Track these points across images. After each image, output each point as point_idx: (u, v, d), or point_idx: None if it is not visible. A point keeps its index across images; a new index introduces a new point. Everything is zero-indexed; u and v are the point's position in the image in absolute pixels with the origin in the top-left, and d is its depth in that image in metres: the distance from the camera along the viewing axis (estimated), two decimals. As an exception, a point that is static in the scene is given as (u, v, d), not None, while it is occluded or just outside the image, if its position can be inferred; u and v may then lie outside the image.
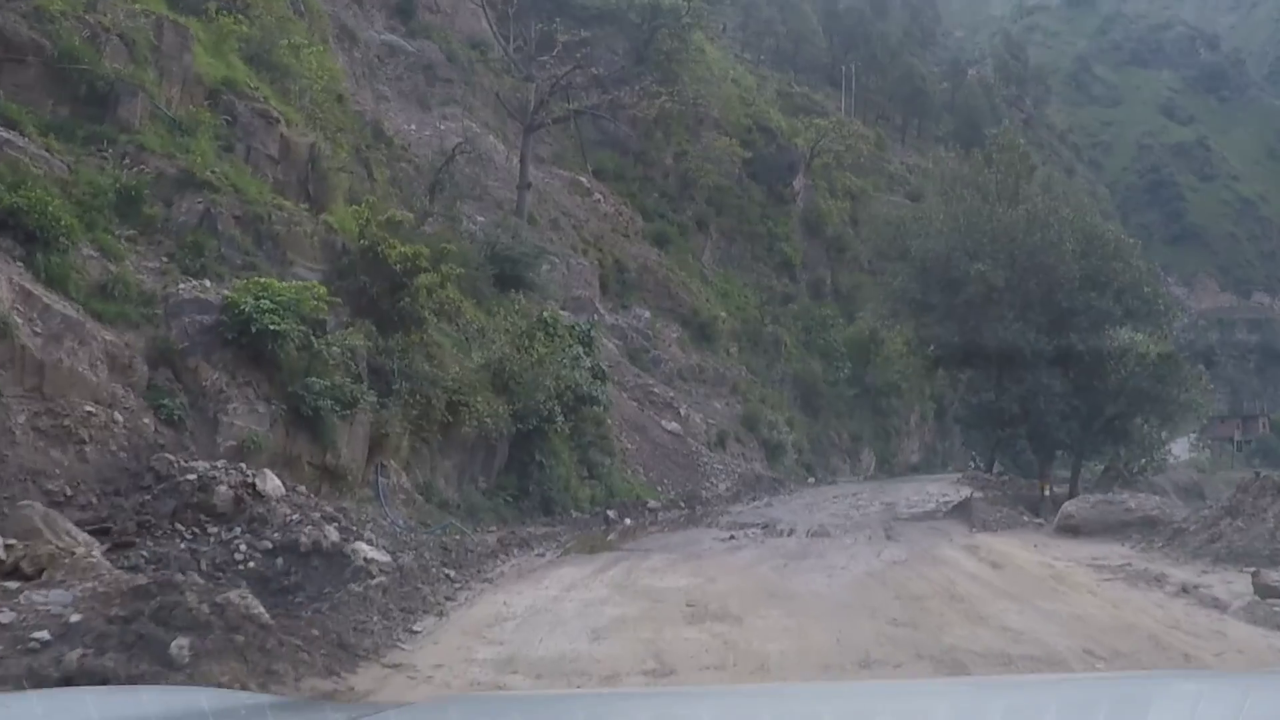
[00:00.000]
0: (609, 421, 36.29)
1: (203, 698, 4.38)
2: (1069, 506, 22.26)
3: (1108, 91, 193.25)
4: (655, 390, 44.17)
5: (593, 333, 29.81)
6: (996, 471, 54.53)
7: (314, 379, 16.29)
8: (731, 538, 22.77)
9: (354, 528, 14.15)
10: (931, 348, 30.34)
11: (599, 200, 57.61)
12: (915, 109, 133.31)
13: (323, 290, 16.93)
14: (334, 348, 17.05)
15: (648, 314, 51.35)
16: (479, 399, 23.21)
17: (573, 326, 29.22)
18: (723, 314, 57.17)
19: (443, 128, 52.66)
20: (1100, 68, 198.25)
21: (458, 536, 18.44)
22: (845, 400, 61.77)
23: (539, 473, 27.31)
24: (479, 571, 15.92)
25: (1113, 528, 20.36)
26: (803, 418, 57.09)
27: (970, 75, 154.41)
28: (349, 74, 46.07)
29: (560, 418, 25.98)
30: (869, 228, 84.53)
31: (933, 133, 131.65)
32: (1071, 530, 21.00)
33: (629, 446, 37.00)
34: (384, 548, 13.81)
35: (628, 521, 27.84)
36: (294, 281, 16.72)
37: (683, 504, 33.17)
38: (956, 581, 14.99)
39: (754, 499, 37.87)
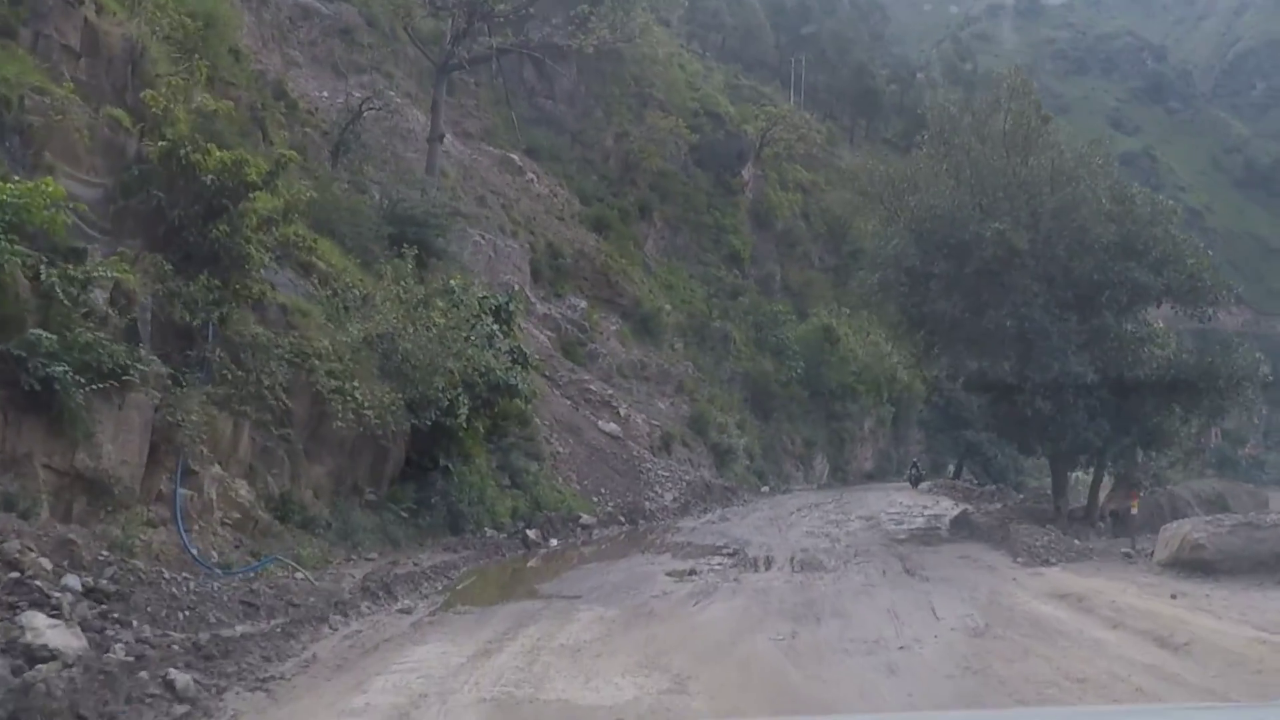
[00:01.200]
0: (536, 421, 31.08)
1: None
2: (1189, 531, 16.04)
3: (1054, 100, 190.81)
4: (592, 387, 38.91)
5: (511, 306, 24.06)
6: (966, 479, 50.13)
7: (44, 333, 10.70)
8: (691, 574, 17.41)
9: (49, 579, 8.53)
10: (923, 332, 25.30)
11: (532, 180, 52.26)
12: (864, 108, 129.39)
13: (60, 192, 11.21)
14: (88, 288, 11.43)
15: (584, 304, 46.08)
16: (359, 385, 17.76)
17: (485, 297, 23.63)
18: (667, 306, 52.03)
19: (358, 95, 47.13)
20: (1047, 76, 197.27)
21: (292, 576, 12.95)
22: (799, 402, 56.86)
23: (444, 481, 21.98)
24: (268, 659, 9.93)
25: (1268, 563, 14.79)
26: (754, 420, 52.08)
27: (919, 78, 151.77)
28: (255, 34, 40.72)
29: (466, 411, 20.50)
30: (842, 183, 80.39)
31: (881, 134, 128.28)
32: (1200, 567, 15.28)
33: (560, 450, 31.72)
34: (99, 620, 8.22)
35: (554, 543, 22.65)
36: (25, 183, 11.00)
37: (623, 518, 27.97)
38: (1128, 680, 9.46)
39: (705, 511, 32.77)
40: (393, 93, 48.85)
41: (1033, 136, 23.75)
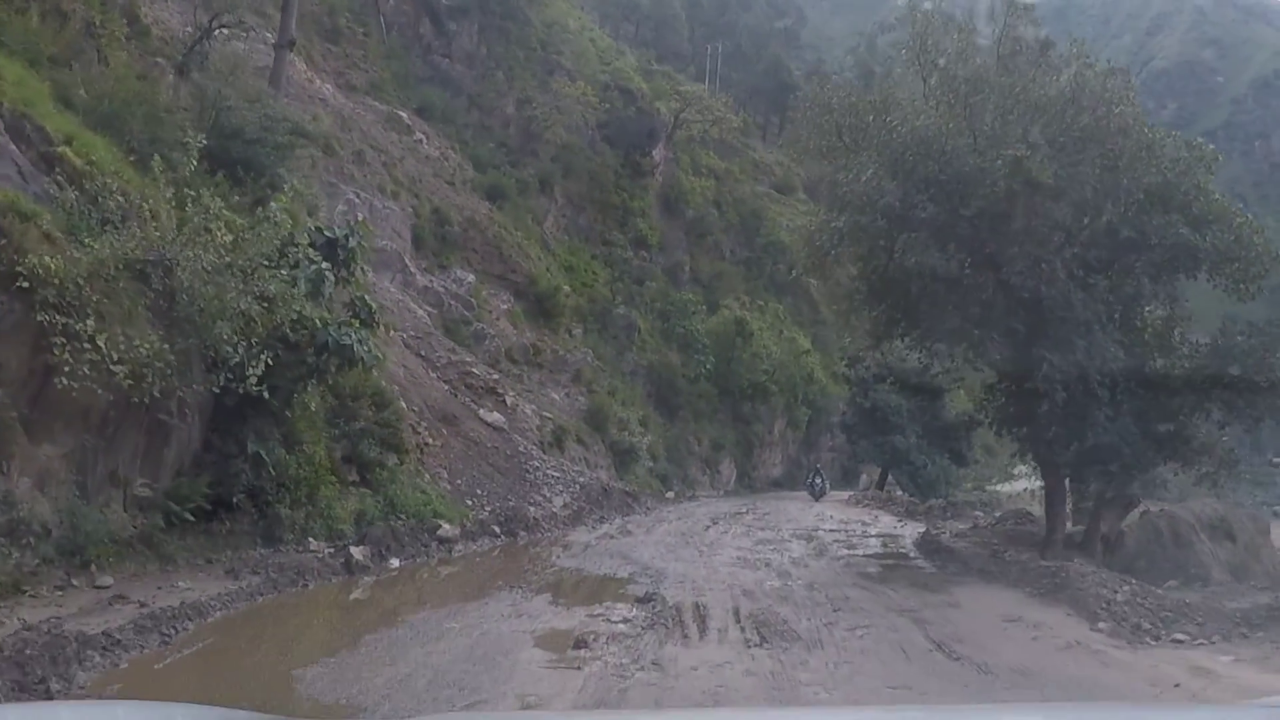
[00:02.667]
0: (401, 404, 25.64)
1: (179, 712, 4.22)
2: None
3: None
4: (475, 371, 33.38)
5: (352, 243, 17.82)
6: (888, 490, 45.72)
7: None
8: (581, 645, 11.20)
9: None
10: (885, 305, 20.30)
11: (421, 141, 46.53)
12: (778, 105, 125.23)
13: None
14: None
15: (472, 278, 40.54)
16: (105, 328, 12.06)
17: (318, 228, 17.53)
18: (566, 287, 46.59)
19: (227, 33, 41.05)
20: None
21: None
22: (707, 400, 51.92)
23: (254, 473, 16.29)
24: None
25: None
26: (658, 418, 46.95)
27: (835, 80, 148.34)
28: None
29: (259, 371, 14.45)
30: (757, 175, 75.72)
31: (793, 134, 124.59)
32: None
33: (430, 441, 26.23)
34: None
35: (394, 564, 17.15)
36: None
37: (499, 528, 22.52)
38: None
39: (602, 520, 27.52)
40: (251, 19, 42.80)
41: (1033, 59, 18.84)
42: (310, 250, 15.67)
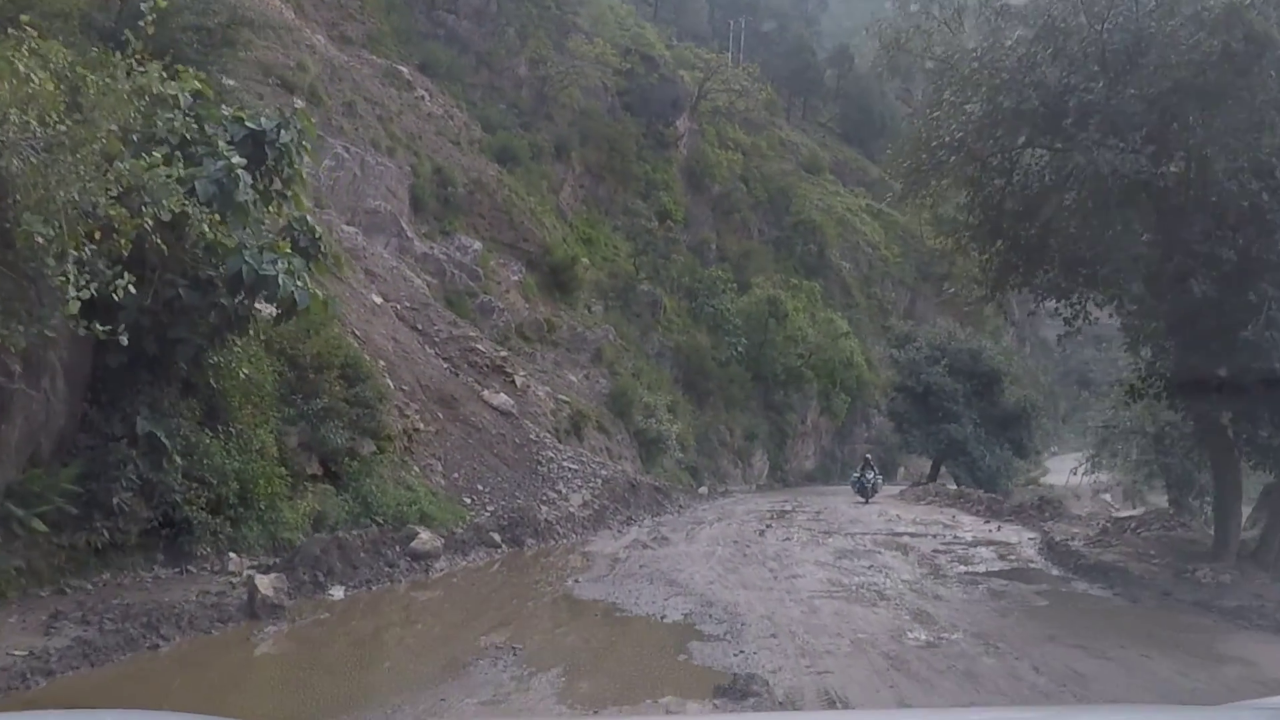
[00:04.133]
0: (386, 381, 21.15)
1: None
2: None
3: None
4: (479, 348, 28.71)
5: (286, 138, 12.21)
6: (938, 483, 40.90)
7: None
8: None
9: None
10: (1003, 241, 15.73)
11: (423, 98, 41.81)
12: (800, 87, 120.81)
13: None
14: None
15: (478, 245, 35.82)
16: None
17: (230, 116, 12.25)
18: (584, 259, 41.82)
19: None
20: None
21: None
22: (739, 385, 47.04)
23: (149, 463, 11.57)
24: None
25: None
26: (687, 405, 42.13)
27: (858, 62, 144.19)
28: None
29: (76, 292, 9.25)
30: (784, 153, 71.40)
31: (817, 117, 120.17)
32: None
33: (421, 426, 21.59)
34: None
35: (335, 595, 12.30)
36: None
37: (498, 535, 17.72)
38: None
39: (629, 522, 22.85)
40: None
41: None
42: (223, 145, 10.89)
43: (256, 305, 12.14)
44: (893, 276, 77.23)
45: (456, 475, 21.22)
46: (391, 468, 18.91)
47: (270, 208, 12.09)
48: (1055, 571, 16.23)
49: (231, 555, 12.28)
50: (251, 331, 12.85)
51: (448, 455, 21.78)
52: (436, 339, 28.41)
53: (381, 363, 23.07)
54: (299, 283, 10.85)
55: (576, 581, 14.53)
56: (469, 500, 20.33)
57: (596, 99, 55.59)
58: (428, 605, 13.53)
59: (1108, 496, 42.91)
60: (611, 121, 55.98)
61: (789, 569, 15.55)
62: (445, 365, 27.12)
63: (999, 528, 22.27)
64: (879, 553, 17.89)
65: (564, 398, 29.55)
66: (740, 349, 48.07)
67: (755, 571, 15.37)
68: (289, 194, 11.83)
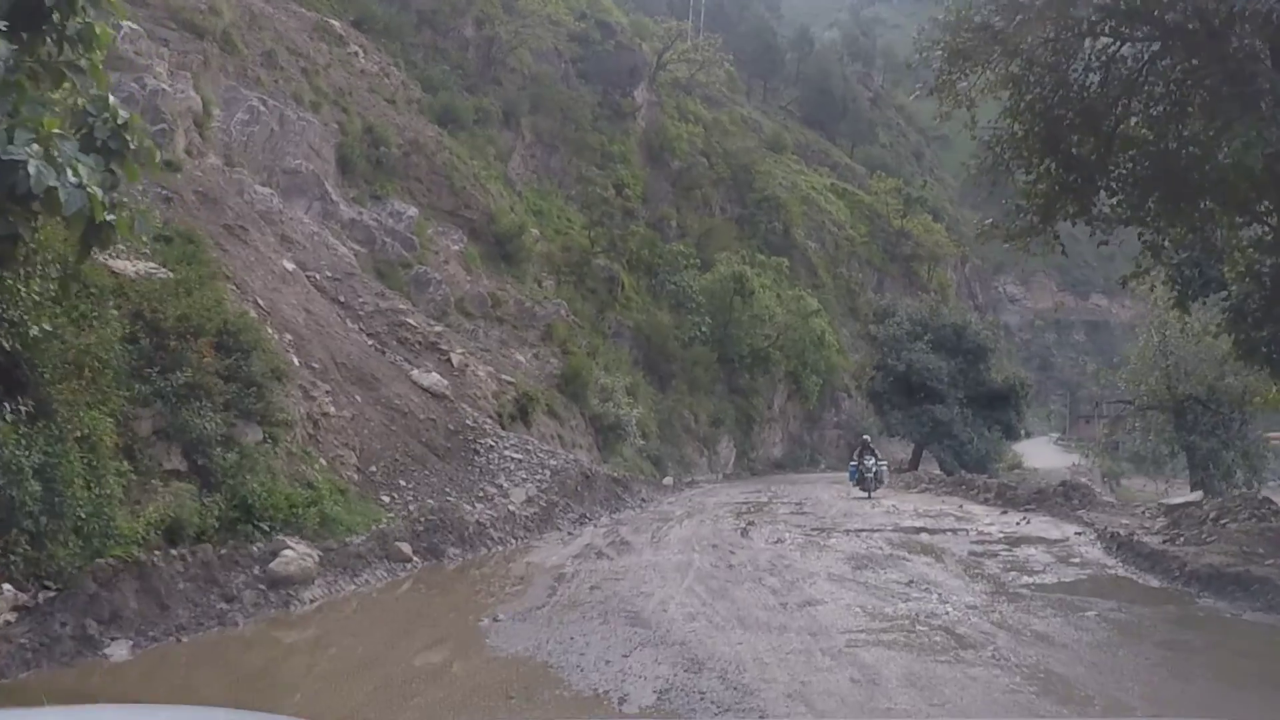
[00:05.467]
0: (293, 359, 17.72)
1: (221, 715, 4.09)
2: None
3: None
4: (410, 322, 25.10)
5: None
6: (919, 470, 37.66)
7: None
8: None
9: None
10: (1057, 158, 12.52)
11: (357, 54, 37.93)
12: (761, 69, 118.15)
13: None
14: None
15: (414, 211, 32.14)
16: None
17: None
18: (534, 230, 38.20)
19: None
20: (941, 63, 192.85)
21: None
22: (704, 366, 43.52)
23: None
24: None
25: None
26: (648, 388, 38.59)
27: (818, 46, 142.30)
28: None
29: None
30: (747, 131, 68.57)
31: (778, 100, 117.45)
32: None
33: (332, 410, 17.97)
34: None
35: (112, 656, 8.30)
36: None
37: (409, 546, 13.96)
38: None
39: (583, 520, 19.33)
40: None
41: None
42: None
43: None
44: (859, 256, 74.28)
45: (374, 468, 17.63)
46: (287, 460, 15.29)
47: (61, 90, 8.39)
48: (1155, 582, 12.64)
49: (5, 588, 8.62)
50: (41, 266, 9.13)
51: (364, 444, 18.17)
52: (361, 312, 24.81)
53: (288, 336, 19.52)
54: (75, 179, 7.14)
55: (496, 620, 10.28)
56: (388, 498, 16.75)
57: (549, 64, 52.11)
58: (244, 675, 9.00)
59: (1086, 480, 39.70)
60: (565, 89, 52.53)
61: (798, 589, 11.74)
62: (370, 341, 23.55)
63: (1026, 520, 18.84)
64: (904, 558, 14.27)
65: (509, 378, 25.93)
66: (704, 329, 44.67)
67: (752, 594, 11.45)
68: (81, 63, 8.14)
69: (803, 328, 49.40)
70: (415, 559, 13.50)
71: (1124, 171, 13.38)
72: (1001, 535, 16.87)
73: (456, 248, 32.87)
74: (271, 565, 10.96)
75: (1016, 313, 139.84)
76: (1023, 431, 47.41)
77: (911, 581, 12.12)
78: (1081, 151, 13.20)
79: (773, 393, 52.35)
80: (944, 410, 38.87)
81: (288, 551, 11.26)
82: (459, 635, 10.10)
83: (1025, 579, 12.60)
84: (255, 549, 11.49)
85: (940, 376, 39.37)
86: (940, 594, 11.33)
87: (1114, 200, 13.86)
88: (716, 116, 73.86)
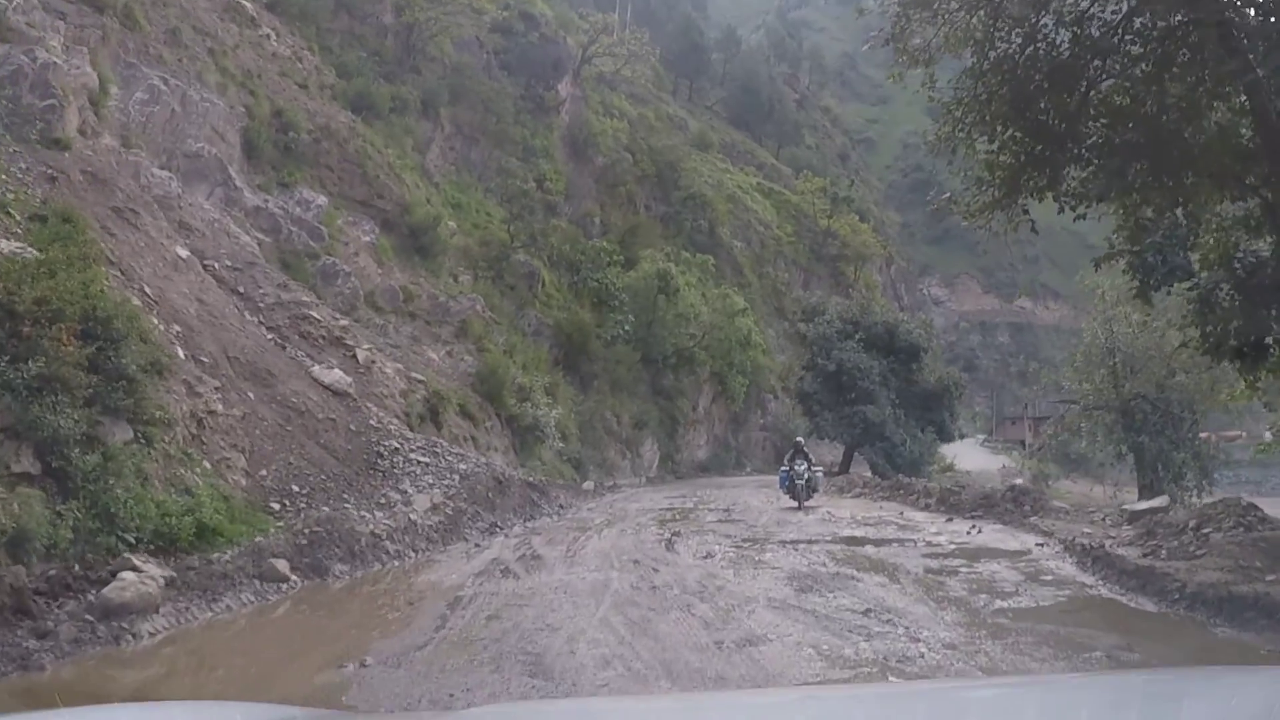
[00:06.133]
0: (177, 350, 16.28)
1: (237, 713, 4.04)
2: None
3: (873, 90, 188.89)
4: (314, 315, 23.63)
5: None
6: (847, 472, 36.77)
7: None
8: None
9: None
10: (1034, 114, 11.48)
11: (268, 36, 36.17)
12: (688, 69, 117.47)
13: None
14: None
15: (323, 200, 30.62)
16: None
17: None
18: (451, 222, 36.75)
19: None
20: (866, 66, 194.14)
21: None
22: (627, 366, 42.31)
23: None
24: None
25: None
26: (568, 388, 37.29)
27: (745, 47, 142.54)
28: None
29: None
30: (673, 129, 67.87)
31: (704, 100, 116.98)
32: None
33: (219, 408, 16.52)
34: None
35: None
36: None
37: (287, 564, 12.44)
38: None
39: (493, 529, 18.02)
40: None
41: None
42: None
43: None
44: (786, 256, 73.73)
45: (264, 472, 16.19)
46: (163, 463, 13.86)
47: None
48: (1151, 605, 11.23)
49: None
50: None
51: (255, 446, 16.73)
52: (261, 304, 23.31)
53: (176, 327, 18.06)
54: None
55: (362, 665, 8.55)
56: (278, 506, 15.33)
57: (470, 54, 50.58)
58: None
59: (1020, 481, 39.18)
60: (487, 80, 51.04)
61: (735, 621, 10.16)
62: (269, 335, 22.08)
63: (976, 528, 17.62)
64: (853, 577, 12.68)
65: (419, 377, 24.52)
66: (627, 327, 43.46)
67: (680, 628, 9.85)
68: None
69: (728, 327, 48.44)
70: (293, 578, 12.01)
71: (1098, 140, 12.29)
72: (954, 547, 15.65)
73: (368, 239, 31.34)
74: (105, 591, 9.43)
75: (941, 314, 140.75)
76: (957, 433, 46.74)
77: (869, 610, 10.59)
78: (1051, 118, 12.10)
79: (698, 394, 51.40)
80: (876, 411, 38.05)
81: (126, 573, 9.72)
82: (310, 690, 8.17)
83: (999, 603, 11.27)
84: (106, 570, 9.97)
85: (872, 376, 38.55)
86: (907, 627, 9.78)
87: (1086, 173, 12.74)
88: (642, 113, 72.87)
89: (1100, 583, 12.59)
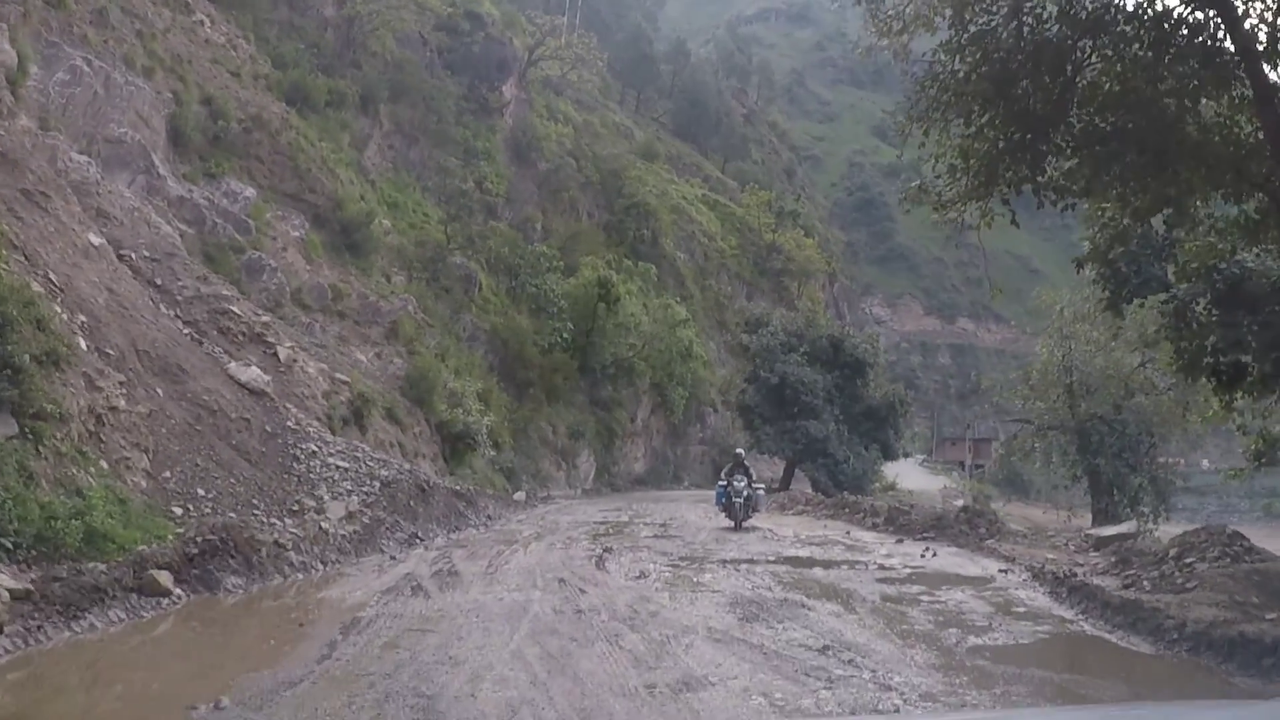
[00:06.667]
0: (78, 341, 15.18)
1: None
2: None
3: (821, 107, 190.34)
4: (234, 310, 22.49)
5: None
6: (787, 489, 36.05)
7: None
8: None
9: None
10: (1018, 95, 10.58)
11: (202, 22, 34.91)
12: (636, 79, 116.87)
13: None
14: None
15: (251, 192, 29.46)
16: None
17: None
18: (386, 221, 35.66)
19: None
20: (815, 84, 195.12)
21: None
22: (564, 374, 41.38)
23: None
24: None
25: None
26: (503, 395, 36.28)
27: (694, 59, 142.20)
28: None
29: None
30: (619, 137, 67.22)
31: (651, 111, 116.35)
32: None
33: (122, 404, 15.40)
34: None
35: None
36: None
37: (169, 576, 11.23)
38: None
39: (413, 540, 17.06)
40: None
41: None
42: None
43: None
44: (729, 269, 73.16)
45: (168, 474, 15.09)
46: (54, 461, 12.77)
47: None
48: (1146, 646, 10.12)
49: None
50: None
51: (160, 445, 15.62)
52: (179, 297, 22.15)
53: (81, 317, 16.91)
54: None
55: (216, 708, 7.24)
56: (180, 510, 14.25)
57: (413, 51, 49.54)
58: None
59: (960, 502, 38.61)
60: (429, 78, 49.99)
61: (670, 656, 8.96)
62: (185, 329, 20.93)
63: (931, 551, 16.82)
64: (803, 604, 11.50)
65: (343, 377, 23.44)
66: (566, 335, 42.53)
67: (605, 665, 8.64)
68: None
69: (669, 337, 47.65)
70: (178, 592, 10.89)
71: (1085, 127, 11.37)
72: (910, 571, 14.77)
73: (297, 234, 30.20)
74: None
75: (883, 334, 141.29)
76: (901, 451, 46.13)
77: (827, 647, 9.38)
78: (1034, 101, 11.17)
79: (636, 405, 50.57)
80: (819, 426, 37.36)
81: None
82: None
83: (973, 639, 10.15)
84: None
85: (816, 391, 37.87)
86: (873, 670, 8.61)
87: (1070, 164, 11.83)
88: (588, 119, 72.13)
89: (1081, 617, 11.64)
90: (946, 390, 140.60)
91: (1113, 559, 13.40)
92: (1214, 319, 12.13)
